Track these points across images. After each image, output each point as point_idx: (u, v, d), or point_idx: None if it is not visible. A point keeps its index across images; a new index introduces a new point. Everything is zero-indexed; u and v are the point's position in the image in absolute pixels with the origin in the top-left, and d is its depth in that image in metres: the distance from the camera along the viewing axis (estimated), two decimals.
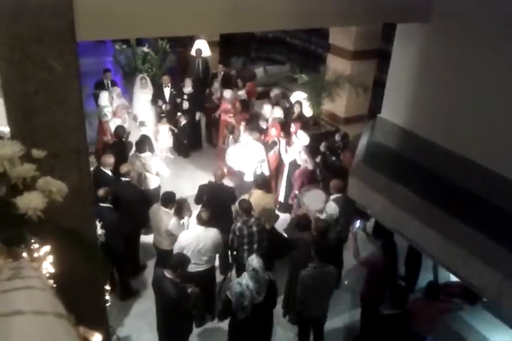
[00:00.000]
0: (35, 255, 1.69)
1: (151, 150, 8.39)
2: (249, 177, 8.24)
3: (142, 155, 7.85)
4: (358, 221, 6.90)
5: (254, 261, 5.25)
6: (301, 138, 8.27)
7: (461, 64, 4.95)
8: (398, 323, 5.47)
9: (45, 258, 1.72)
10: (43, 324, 1.26)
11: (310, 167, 8.05)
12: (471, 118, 4.95)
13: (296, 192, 8.21)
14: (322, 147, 8.47)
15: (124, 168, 7.13)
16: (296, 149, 8.28)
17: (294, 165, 8.42)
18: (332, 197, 7.10)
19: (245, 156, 8.32)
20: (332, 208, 6.92)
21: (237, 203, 6.98)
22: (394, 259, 6.29)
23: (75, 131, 3.64)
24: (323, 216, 6.91)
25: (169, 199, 6.62)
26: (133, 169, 7.40)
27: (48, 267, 1.73)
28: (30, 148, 2.12)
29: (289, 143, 8.50)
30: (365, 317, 6.39)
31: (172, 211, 6.57)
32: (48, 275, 1.75)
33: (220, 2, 3.89)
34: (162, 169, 7.93)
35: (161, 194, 7.52)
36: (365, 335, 6.34)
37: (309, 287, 5.57)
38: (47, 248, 1.76)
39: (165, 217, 6.51)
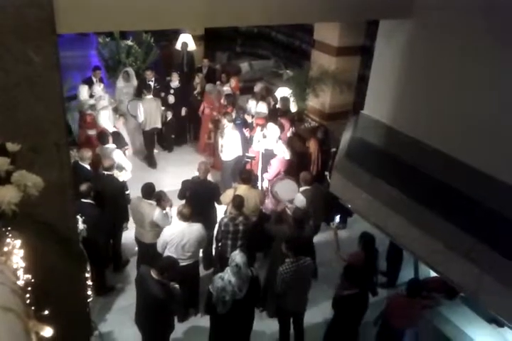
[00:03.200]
0: (5, 249, 1.67)
1: (123, 144, 8.41)
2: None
3: (105, 146, 7.88)
4: (338, 216, 6.94)
5: (237, 256, 5.25)
6: (272, 131, 8.39)
7: (443, 60, 4.99)
8: (358, 302, 5.55)
9: (14, 253, 1.70)
10: None
11: (287, 157, 8.19)
12: (453, 115, 5.00)
13: (267, 178, 8.34)
14: (289, 133, 8.76)
15: (107, 162, 7.10)
16: (273, 139, 8.41)
17: (267, 155, 8.55)
18: (301, 189, 7.17)
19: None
20: (299, 200, 6.98)
21: (223, 198, 7.07)
22: (373, 253, 6.36)
23: (55, 124, 3.61)
24: (291, 206, 6.99)
25: (150, 191, 6.59)
26: None
27: (18, 261, 1.72)
28: (10, 142, 2.10)
29: (264, 135, 8.64)
30: None
31: (155, 202, 6.55)
32: (20, 269, 1.73)
33: None
34: (124, 162, 7.83)
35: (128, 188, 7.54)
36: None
37: (288, 282, 5.60)
38: (17, 242, 1.75)
39: (148, 208, 6.47)
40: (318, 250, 7.31)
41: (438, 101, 5.14)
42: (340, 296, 5.71)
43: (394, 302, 5.92)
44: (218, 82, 10.84)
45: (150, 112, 9.52)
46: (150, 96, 9.58)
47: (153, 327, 5.47)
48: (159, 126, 9.91)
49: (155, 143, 10.36)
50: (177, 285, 5.41)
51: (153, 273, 5.22)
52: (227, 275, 5.22)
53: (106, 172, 7.06)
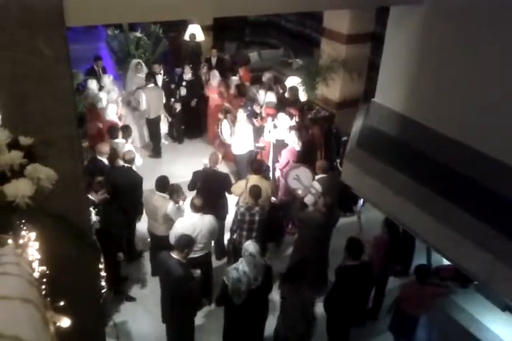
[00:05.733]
0: (20, 241, 1.69)
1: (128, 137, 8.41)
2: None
3: (115, 141, 7.87)
4: (362, 200, 6.93)
5: (250, 246, 5.27)
6: (282, 121, 8.42)
7: (454, 46, 4.92)
8: (359, 272, 5.63)
9: (29, 245, 1.72)
10: (6, 308, 1.31)
11: (297, 148, 8.18)
12: (464, 102, 4.94)
13: (278, 167, 8.34)
14: (293, 121, 8.74)
15: (128, 155, 7.14)
16: (283, 130, 8.41)
17: (278, 145, 8.56)
18: (317, 177, 7.26)
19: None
20: (316, 188, 7.05)
21: (234, 188, 7.09)
22: (397, 236, 6.39)
23: (66, 117, 3.62)
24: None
25: (164, 184, 6.62)
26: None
27: (33, 253, 1.73)
28: (21, 135, 2.11)
29: (274, 125, 8.67)
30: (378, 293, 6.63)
31: (168, 195, 6.57)
32: (36, 261, 1.75)
33: None
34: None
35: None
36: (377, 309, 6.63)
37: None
38: (32, 235, 1.76)
39: (161, 201, 6.50)
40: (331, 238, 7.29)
41: (449, 88, 5.08)
42: (340, 266, 5.80)
43: (407, 290, 5.92)
44: (214, 71, 10.69)
45: (152, 101, 9.58)
46: (151, 85, 9.69)
47: (177, 311, 5.53)
48: (162, 114, 10.04)
49: (160, 132, 10.32)
50: (198, 271, 5.57)
51: (174, 254, 5.38)
52: (242, 266, 5.24)
53: (126, 165, 7.09)
